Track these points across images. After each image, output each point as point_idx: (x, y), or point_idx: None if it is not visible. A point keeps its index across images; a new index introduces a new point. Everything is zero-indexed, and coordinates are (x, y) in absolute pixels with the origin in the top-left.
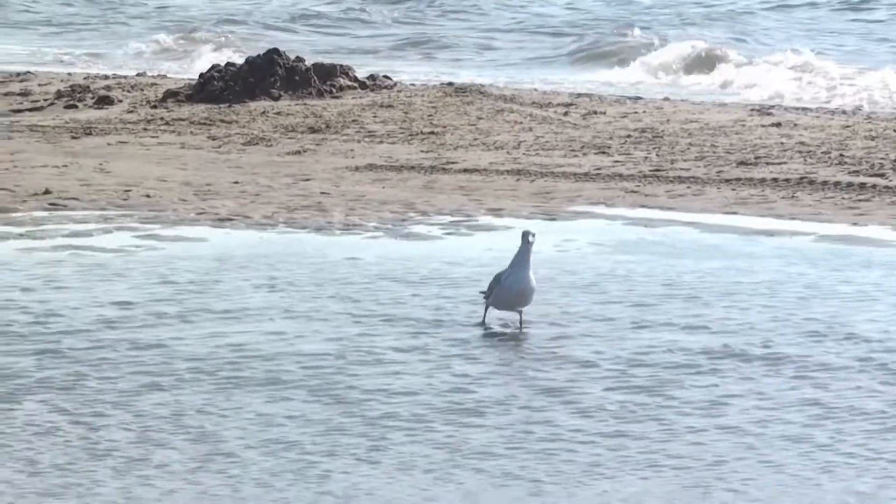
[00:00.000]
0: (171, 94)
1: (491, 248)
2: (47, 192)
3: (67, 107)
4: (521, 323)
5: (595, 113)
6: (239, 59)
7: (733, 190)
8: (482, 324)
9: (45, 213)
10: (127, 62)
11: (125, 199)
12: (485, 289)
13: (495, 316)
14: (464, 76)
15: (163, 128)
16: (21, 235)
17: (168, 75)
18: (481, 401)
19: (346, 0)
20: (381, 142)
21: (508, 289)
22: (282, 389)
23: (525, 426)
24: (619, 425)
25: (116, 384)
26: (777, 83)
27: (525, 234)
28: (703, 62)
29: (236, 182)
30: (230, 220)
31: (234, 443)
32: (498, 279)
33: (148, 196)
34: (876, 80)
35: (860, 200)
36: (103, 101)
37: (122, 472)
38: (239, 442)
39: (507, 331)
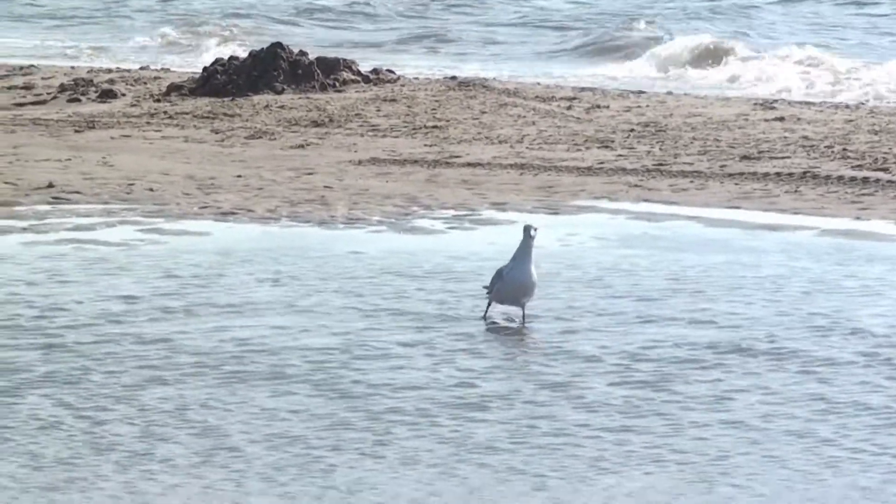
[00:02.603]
0: (174, 88)
1: (494, 242)
2: (51, 185)
3: (70, 100)
4: (523, 318)
5: (598, 107)
6: (244, 53)
7: (736, 184)
8: (484, 318)
9: (48, 207)
10: (130, 56)
11: (128, 193)
12: (487, 283)
13: (499, 311)
14: (467, 70)
15: (166, 121)
16: (24, 229)
17: (171, 69)
18: (485, 395)
19: None
20: (385, 136)
21: (511, 282)
22: (286, 384)
23: (529, 421)
24: (623, 420)
25: (120, 378)
26: (784, 77)
27: (527, 228)
28: (711, 56)
29: (239, 176)
30: (233, 213)
31: (238, 437)
32: (500, 274)
33: (151, 190)
34: (882, 73)
35: (863, 195)
36: (106, 95)
37: (125, 467)
38: (243, 436)
39: (511, 325)
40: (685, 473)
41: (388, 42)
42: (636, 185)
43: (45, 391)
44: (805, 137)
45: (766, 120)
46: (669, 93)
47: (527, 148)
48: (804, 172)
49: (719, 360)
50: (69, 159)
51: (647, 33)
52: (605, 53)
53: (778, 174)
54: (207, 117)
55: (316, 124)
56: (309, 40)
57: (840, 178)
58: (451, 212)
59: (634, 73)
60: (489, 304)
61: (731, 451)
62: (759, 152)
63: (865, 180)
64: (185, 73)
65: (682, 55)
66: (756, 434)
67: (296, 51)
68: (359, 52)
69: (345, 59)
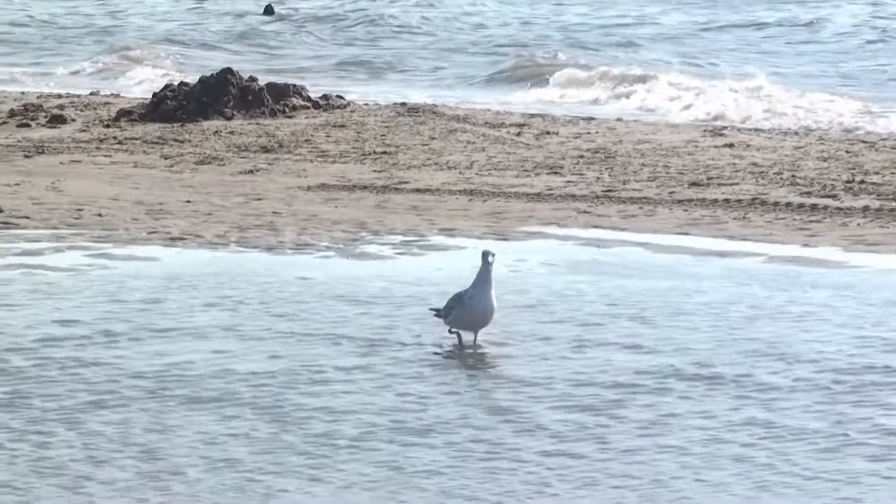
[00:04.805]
0: (124, 114)
1: (443, 268)
2: None
3: (20, 125)
4: (475, 342)
5: (548, 133)
6: (182, 78)
7: (685, 211)
8: (460, 344)
9: None
10: (64, 81)
11: (77, 219)
12: (435, 306)
13: (443, 335)
14: (411, 96)
15: (116, 147)
16: None
17: (121, 94)
18: (426, 420)
19: (290, 20)
20: (334, 161)
21: (472, 310)
22: (227, 408)
23: (469, 445)
24: (561, 444)
25: (62, 402)
26: (714, 104)
27: (485, 254)
28: (631, 82)
29: (188, 201)
30: (182, 239)
31: (179, 460)
32: (459, 299)
33: (100, 215)
34: (820, 100)
35: (811, 221)
36: (56, 120)
37: (66, 489)
38: (183, 459)
39: (455, 350)
40: (621, 497)
41: (329, 68)
42: (585, 212)
43: None
44: (754, 164)
45: (716, 146)
46: (619, 119)
47: (476, 174)
48: (753, 199)
49: (658, 385)
50: (18, 184)
51: (565, 59)
52: (521, 80)
53: (726, 201)
54: (157, 143)
55: (265, 150)
56: (251, 66)
57: (788, 204)
58: (400, 237)
59: (545, 98)
60: (459, 335)
61: (667, 475)
62: (708, 179)
63: (814, 207)
64: (134, 98)
65: (601, 81)
66: (692, 458)
67: (246, 76)
68: (303, 77)
69: (294, 85)
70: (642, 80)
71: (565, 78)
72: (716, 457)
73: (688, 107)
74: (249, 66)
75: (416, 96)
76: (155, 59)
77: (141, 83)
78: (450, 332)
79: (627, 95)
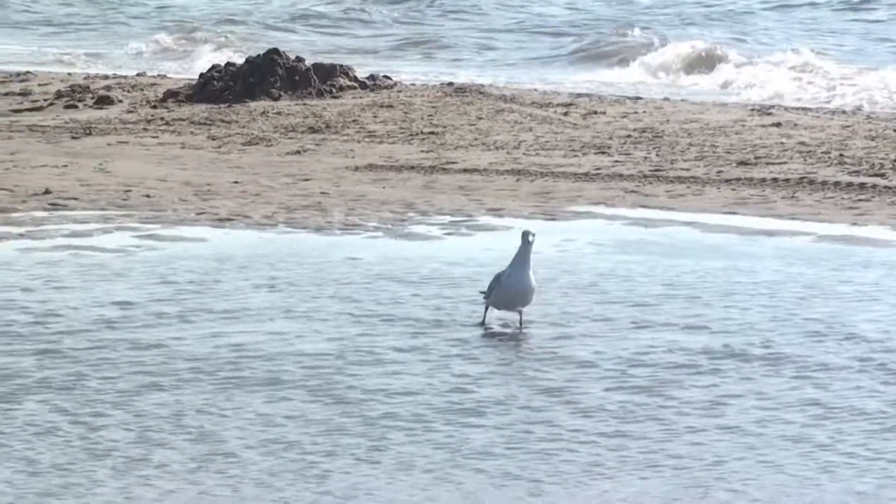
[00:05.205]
0: (171, 94)
1: (491, 248)
2: (47, 192)
3: (67, 107)
4: (521, 323)
5: (595, 113)
6: (239, 59)
7: (733, 190)
8: (482, 324)
9: (45, 213)
10: (126, 62)
11: (125, 200)
12: (485, 288)
13: (495, 316)
14: (463, 76)
15: (163, 128)
16: (21, 235)
17: (168, 75)
18: (481, 401)
19: (346, 0)
20: (381, 142)
21: (508, 289)
22: (281, 389)
23: (525, 426)
24: (618, 425)
25: (116, 384)
26: (777, 83)
27: (525, 234)
28: (703, 62)
29: (236, 182)
30: (230, 220)
31: (234, 443)
32: (498, 279)
33: (148, 196)
34: (875, 80)
35: (860, 200)
36: (103, 101)
37: (121, 472)
38: (239, 442)
39: (507, 331)
40: (680, 478)
41: (384, 48)
42: (633, 191)
43: (41, 397)
44: (802, 143)
45: (763, 126)
46: (666, 99)
47: (523, 154)
48: (801, 178)
49: (714, 366)
50: (66, 166)
51: (641, 39)
52: (598, 59)
53: (774, 180)
54: (204, 124)
55: (313, 130)
56: (305, 46)
57: (837, 183)
58: (448, 218)
59: (627, 79)
60: (487, 310)
61: (727, 456)
62: (756, 158)
63: (862, 186)
64: (181, 79)
65: (674, 61)
66: (752, 439)
67: (292, 57)
68: (356, 58)
69: (342, 66)
70: (712, 59)
71: (636, 60)
72: (774, 437)
73: (751, 86)
74: (306, 46)
75: (466, 76)
76: (216, 40)
77: (204, 64)
78: (483, 321)
79: (698, 73)
